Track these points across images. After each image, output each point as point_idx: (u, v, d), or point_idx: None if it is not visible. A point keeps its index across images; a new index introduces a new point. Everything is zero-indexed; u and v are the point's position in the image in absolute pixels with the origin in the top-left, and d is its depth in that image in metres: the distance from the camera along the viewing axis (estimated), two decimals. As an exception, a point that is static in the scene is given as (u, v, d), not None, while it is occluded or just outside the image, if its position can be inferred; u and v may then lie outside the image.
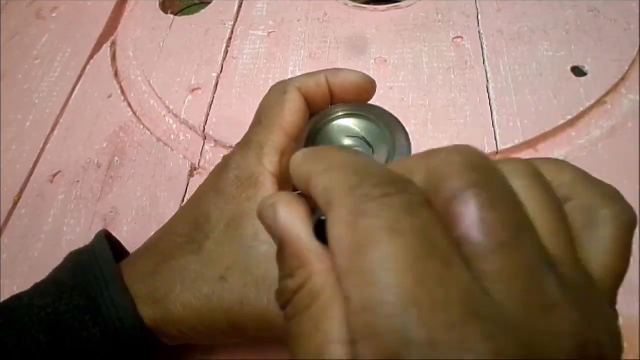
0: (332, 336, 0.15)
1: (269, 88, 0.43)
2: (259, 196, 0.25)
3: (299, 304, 0.16)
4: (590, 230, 0.17)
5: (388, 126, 0.28)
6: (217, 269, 0.24)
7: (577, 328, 0.13)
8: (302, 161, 0.17)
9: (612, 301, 0.17)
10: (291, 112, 0.26)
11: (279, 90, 0.27)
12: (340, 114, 0.28)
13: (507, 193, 0.15)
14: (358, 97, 0.27)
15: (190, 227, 0.26)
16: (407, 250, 0.13)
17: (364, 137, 0.28)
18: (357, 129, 0.28)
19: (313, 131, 0.28)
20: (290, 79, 0.28)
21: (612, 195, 0.17)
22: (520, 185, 0.15)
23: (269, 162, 0.26)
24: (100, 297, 0.24)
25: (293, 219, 0.17)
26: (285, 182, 0.27)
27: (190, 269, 0.24)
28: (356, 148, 0.27)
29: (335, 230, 0.15)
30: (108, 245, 0.26)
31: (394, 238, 0.14)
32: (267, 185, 0.25)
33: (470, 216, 0.14)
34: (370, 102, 0.30)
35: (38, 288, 0.26)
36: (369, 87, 0.27)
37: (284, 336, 0.23)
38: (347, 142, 0.28)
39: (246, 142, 0.27)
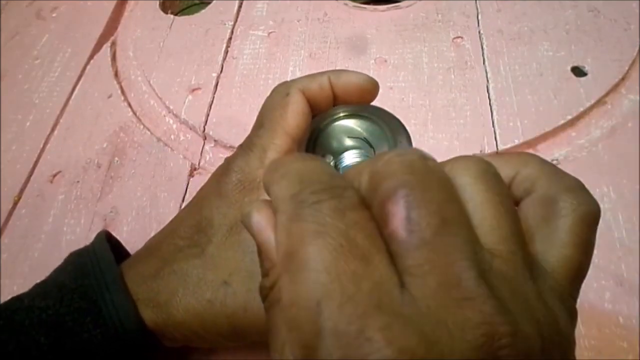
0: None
1: (269, 88, 0.43)
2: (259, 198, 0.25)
3: (271, 300, 0.17)
4: (549, 222, 0.17)
5: (389, 127, 0.28)
6: (220, 273, 0.24)
7: (486, 318, 0.14)
8: (266, 171, 0.18)
9: (570, 294, 0.17)
10: (294, 115, 0.26)
11: (281, 92, 0.27)
12: (342, 114, 0.28)
13: (441, 192, 0.16)
14: (361, 99, 0.27)
15: (192, 230, 0.26)
16: (327, 251, 0.15)
17: (365, 138, 0.28)
18: (358, 129, 0.28)
19: (315, 132, 0.28)
20: (292, 81, 0.28)
21: (573, 187, 0.18)
22: (466, 183, 0.16)
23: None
24: (101, 300, 0.24)
25: (265, 225, 0.18)
26: None
27: (192, 273, 0.24)
28: (357, 149, 0.28)
29: (277, 235, 0.16)
30: (108, 247, 0.26)
31: (317, 239, 0.15)
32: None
33: (398, 215, 0.15)
34: (372, 102, 0.30)
35: (38, 290, 0.25)
36: (372, 88, 0.27)
37: None
38: (349, 142, 0.28)
39: (248, 145, 0.27)
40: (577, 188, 0.18)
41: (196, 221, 0.26)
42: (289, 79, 0.43)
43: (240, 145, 0.27)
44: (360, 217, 0.15)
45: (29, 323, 0.24)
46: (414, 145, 0.37)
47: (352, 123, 0.28)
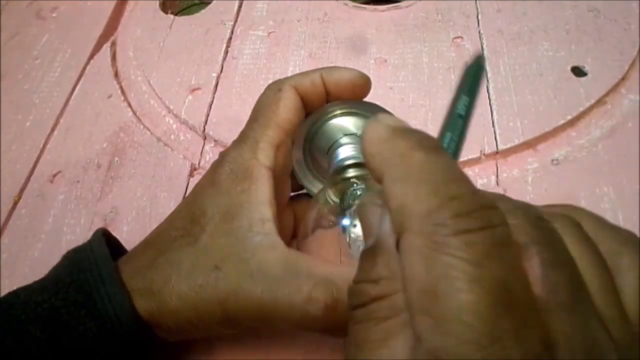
0: (397, 354, 0.15)
1: (267, 88, 0.43)
2: (253, 189, 0.25)
3: (375, 313, 0.15)
4: (617, 278, 0.16)
5: None
6: (212, 259, 0.24)
7: None
8: (377, 150, 0.16)
9: None
10: (286, 109, 0.27)
11: (274, 88, 0.28)
12: (337, 112, 0.28)
13: (565, 253, 0.15)
14: (354, 95, 0.28)
15: (186, 221, 0.26)
16: (486, 304, 0.13)
17: (360, 135, 0.28)
18: (352, 128, 0.28)
19: (311, 130, 0.29)
20: (285, 78, 0.28)
21: (632, 241, 0.17)
22: (570, 242, 0.15)
23: (264, 157, 0.26)
24: (96, 293, 0.24)
25: (379, 223, 0.16)
26: (281, 175, 0.27)
27: (185, 260, 0.25)
28: (352, 145, 0.28)
29: (409, 261, 0.14)
30: (105, 242, 0.26)
31: (474, 287, 0.13)
32: (262, 178, 0.26)
33: (533, 271, 0.14)
34: (370, 100, 0.31)
35: (35, 285, 0.26)
36: (364, 83, 0.28)
37: (277, 327, 0.23)
38: (344, 140, 0.28)
39: (242, 138, 0.27)
40: (636, 241, 0.17)
41: (190, 212, 0.26)
42: (288, 79, 0.43)
43: (235, 139, 0.28)
44: (515, 259, 0.14)
45: (25, 317, 0.24)
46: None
47: (347, 121, 0.29)
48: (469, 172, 0.36)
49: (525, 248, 0.14)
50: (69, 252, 0.27)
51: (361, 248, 0.17)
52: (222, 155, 0.27)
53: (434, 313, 0.13)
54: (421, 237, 0.14)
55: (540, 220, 0.15)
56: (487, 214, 0.14)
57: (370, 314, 0.16)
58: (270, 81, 0.42)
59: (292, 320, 0.23)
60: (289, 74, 0.42)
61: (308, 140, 0.29)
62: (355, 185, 0.27)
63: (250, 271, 0.23)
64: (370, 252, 0.16)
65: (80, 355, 0.24)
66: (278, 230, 0.25)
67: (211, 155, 0.40)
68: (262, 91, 0.43)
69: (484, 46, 0.42)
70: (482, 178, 0.36)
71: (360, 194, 0.27)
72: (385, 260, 0.16)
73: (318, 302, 0.22)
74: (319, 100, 0.28)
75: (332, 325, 0.22)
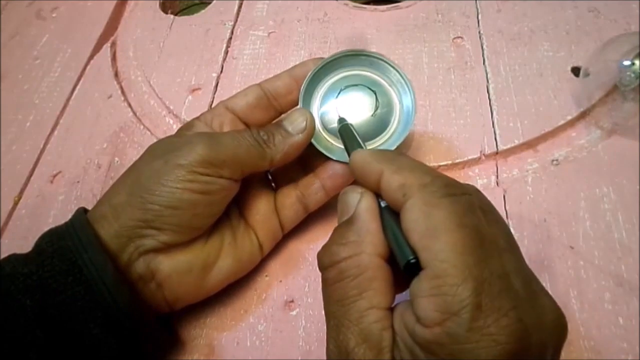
0: (373, 303, 0.22)
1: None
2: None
3: (346, 271, 0.22)
4: None
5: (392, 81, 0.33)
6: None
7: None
8: (372, 160, 0.24)
9: None
10: (244, 94, 0.32)
11: (248, 88, 0.33)
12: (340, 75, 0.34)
13: (497, 214, 0.24)
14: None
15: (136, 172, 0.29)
16: (470, 239, 0.20)
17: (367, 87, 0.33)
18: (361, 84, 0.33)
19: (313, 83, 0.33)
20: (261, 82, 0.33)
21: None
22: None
23: (207, 119, 0.32)
24: (79, 259, 0.25)
25: (373, 210, 0.24)
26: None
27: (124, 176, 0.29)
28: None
29: (413, 215, 0.21)
30: (83, 213, 0.28)
31: (461, 228, 0.20)
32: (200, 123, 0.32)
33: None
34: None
35: (18, 257, 0.26)
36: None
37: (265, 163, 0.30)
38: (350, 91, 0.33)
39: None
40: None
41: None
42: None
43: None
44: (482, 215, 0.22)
45: (15, 289, 0.25)
46: (413, 145, 0.38)
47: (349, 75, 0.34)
48: (468, 172, 0.36)
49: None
50: (50, 229, 0.28)
51: None
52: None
53: (433, 248, 0.20)
54: (421, 199, 0.21)
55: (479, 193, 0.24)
56: (461, 187, 0.23)
57: (342, 272, 0.22)
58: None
59: (237, 146, 0.29)
60: (289, 74, 0.43)
61: (308, 92, 0.33)
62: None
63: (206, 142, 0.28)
64: (345, 223, 0.24)
65: (70, 322, 0.24)
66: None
67: (211, 155, 0.40)
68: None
69: (484, 46, 0.42)
70: (482, 178, 0.36)
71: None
72: (356, 228, 0.23)
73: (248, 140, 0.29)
74: (286, 93, 0.32)
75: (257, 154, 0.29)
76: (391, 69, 0.33)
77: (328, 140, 0.33)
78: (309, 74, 0.32)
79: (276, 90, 0.32)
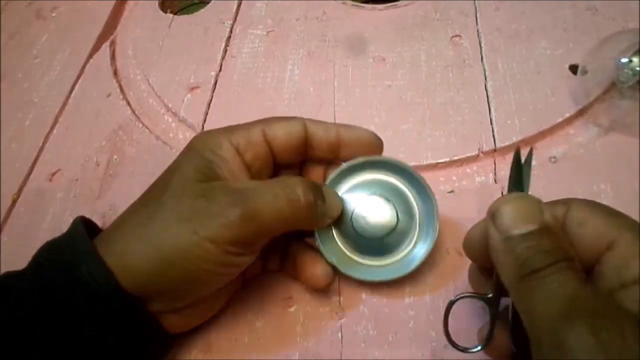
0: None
1: (267, 86, 0.44)
2: (220, 158, 0.27)
3: (547, 277, 0.20)
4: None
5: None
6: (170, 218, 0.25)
7: None
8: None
9: None
10: (284, 131, 0.28)
11: (292, 120, 0.29)
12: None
13: None
14: (366, 151, 0.30)
15: (145, 193, 0.28)
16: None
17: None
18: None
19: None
20: (305, 118, 0.30)
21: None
22: None
23: (235, 140, 0.28)
24: (75, 268, 0.25)
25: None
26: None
27: (142, 222, 0.26)
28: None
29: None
30: (83, 227, 0.27)
31: None
32: (229, 154, 0.27)
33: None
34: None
35: (12, 273, 0.26)
36: (380, 144, 0.30)
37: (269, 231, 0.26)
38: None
39: (225, 127, 0.29)
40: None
41: (163, 183, 0.27)
42: (287, 78, 0.43)
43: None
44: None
45: (12, 298, 0.25)
46: (412, 143, 0.37)
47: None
48: (466, 169, 0.36)
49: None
50: (48, 241, 0.28)
51: None
52: (198, 137, 0.29)
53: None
54: None
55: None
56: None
57: (543, 278, 0.20)
58: (269, 80, 0.43)
59: (281, 215, 0.26)
60: (288, 73, 0.43)
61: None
62: None
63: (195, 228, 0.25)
64: (537, 234, 0.21)
65: (70, 322, 0.24)
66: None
67: (210, 153, 0.40)
68: (260, 89, 0.44)
69: (482, 44, 0.42)
70: (480, 176, 0.36)
71: None
72: (553, 239, 0.21)
73: (300, 198, 0.26)
74: (326, 148, 0.29)
75: (310, 217, 0.27)
76: (413, 175, 0.30)
77: (339, 246, 0.30)
78: (330, 177, 0.30)
79: (320, 142, 0.29)
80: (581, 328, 0.18)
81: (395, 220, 0.30)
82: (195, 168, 0.27)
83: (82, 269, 0.24)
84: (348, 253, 0.30)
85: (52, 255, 0.26)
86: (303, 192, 0.26)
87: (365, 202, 0.30)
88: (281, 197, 0.26)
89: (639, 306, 0.19)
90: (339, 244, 0.30)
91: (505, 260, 0.21)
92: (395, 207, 0.30)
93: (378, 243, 0.30)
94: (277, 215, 0.26)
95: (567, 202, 0.23)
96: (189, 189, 0.26)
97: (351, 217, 0.30)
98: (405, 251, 0.30)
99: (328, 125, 0.29)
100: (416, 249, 0.30)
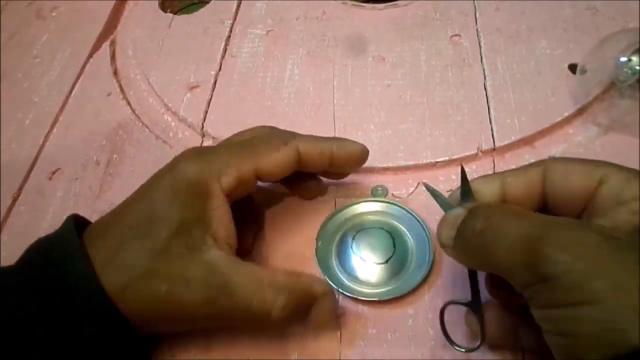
0: None
1: (267, 86, 0.44)
2: (211, 208, 0.26)
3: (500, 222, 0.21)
4: None
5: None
6: (172, 268, 0.25)
7: None
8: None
9: None
10: (276, 163, 0.28)
11: (283, 136, 0.29)
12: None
13: None
14: (355, 166, 0.32)
15: (141, 219, 0.26)
16: None
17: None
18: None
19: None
20: (299, 137, 0.30)
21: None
22: None
23: (226, 183, 0.27)
24: (63, 267, 0.25)
25: None
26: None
27: (145, 265, 0.25)
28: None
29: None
30: (73, 225, 0.27)
31: None
32: (218, 200, 0.27)
33: None
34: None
35: (3, 269, 0.27)
36: (365, 157, 0.31)
37: (230, 325, 0.27)
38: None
39: (215, 153, 0.28)
40: None
41: (147, 211, 0.26)
42: (286, 77, 0.43)
43: (207, 149, 0.28)
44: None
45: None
46: (411, 142, 0.38)
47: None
48: (466, 168, 0.36)
49: None
50: (39, 239, 0.28)
51: None
52: (187, 161, 0.28)
53: None
54: None
55: None
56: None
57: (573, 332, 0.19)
58: (268, 79, 0.43)
59: (249, 321, 0.27)
60: (287, 72, 0.43)
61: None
62: None
63: (211, 283, 0.25)
64: (550, 280, 0.19)
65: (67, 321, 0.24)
66: (231, 249, 0.27)
67: (209, 152, 0.40)
68: (260, 89, 0.44)
69: (482, 44, 0.42)
70: (479, 174, 0.35)
71: None
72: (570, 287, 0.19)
73: (277, 307, 0.25)
74: (318, 167, 0.30)
75: (283, 321, 0.26)
76: (406, 212, 0.33)
77: (341, 278, 0.31)
78: (329, 216, 0.33)
79: (314, 163, 0.30)
80: (553, 239, 0.19)
81: (392, 249, 0.32)
82: (181, 221, 0.26)
83: (69, 266, 0.25)
84: (347, 282, 0.31)
85: (40, 254, 0.26)
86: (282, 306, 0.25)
87: (363, 233, 0.32)
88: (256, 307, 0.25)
89: (639, 217, 0.20)
90: (340, 275, 0.31)
91: (459, 253, 0.24)
92: (392, 236, 0.32)
93: (376, 271, 0.31)
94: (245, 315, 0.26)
95: (540, 164, 0.25)
96: (173, 245, 0.26)
97: (351, 247, 0.32)
98: (403, 278, 0.31)
99: (322, 147, 0.30)
100: (413, 276, 0.31)
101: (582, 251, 0.18)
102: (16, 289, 0.25)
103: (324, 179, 0.35)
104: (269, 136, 0.30)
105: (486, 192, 0.25)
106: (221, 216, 0.27)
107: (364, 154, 0.31)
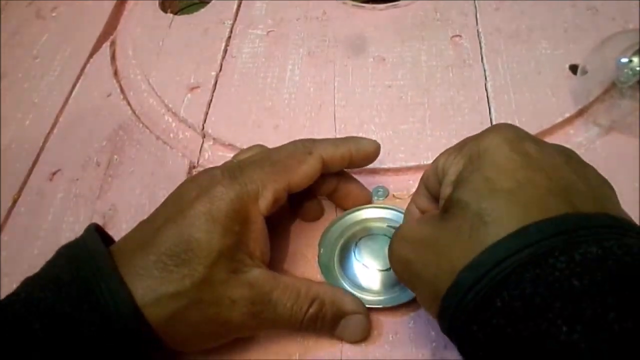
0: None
1: (268, 86, 0.44)
2: (249, 230, 0.27)
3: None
4: None
5: None
6: (214, 298, 0.26)
7: None
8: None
9: None
10: (306, 175, 0.29)
11: (306, 147, 0.30)
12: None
13: None
14: (369, 162, 0.32)
15: (180, 246, 0.26)
16: None
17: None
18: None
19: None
20: (320, 143, 0.30)
21: None
22: None
23: (264, 206, 0.28)
24: (97, 288, 0.24)
25: None
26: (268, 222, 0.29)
27: (186, 295, 0.25)
28: None
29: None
30: (99, 238, 0.26)
31: None
32: (258, 224, 0.28)
33: None
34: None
35: (33, 283, 0.26)
36: (378, 152, 0.32)
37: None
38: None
39: (249, 176, 0.28)
40: None
41: (184, 240, 0.26)
42: (287, 78, 0.43)
43: (242, 172, 0.28)
44: None
45: (25, 311, 0.24)
46: (411, 142, 0.37)
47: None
48: (467, 169, 0.36)
49: None
50: (62, 249, 0.27)
51: None
52: (225, 188, 0.27)
53: None
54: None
55: None
56: None
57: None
58: (269, 79, 0.43)
59: (285, 328, 0.28)
60: (288, 73, 0.43)
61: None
62: None
63: (256, 301, 0.26)
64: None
65: (81, 350, 0.24)
66: (265, 264, 0.28)
67: (210, 153, 0.40)
68: (260, 89, 0.44)
69: (482, 44, 0.42)
70: (480, 176, 0.36)
71: None
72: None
73: (308, 315, 0.27)
74: (338, 169, 0.32)
75: (308, 329, 0.28)
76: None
77: (344, 285, 0.31)
78: (331, 223, 0.33)
79: (334, 166, 0.31)
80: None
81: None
82: (222, 248, 0.26)
83: (102, 286, 0.24)
84: (350, 289, 0.31)
85: (72, 272, 0.25)
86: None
87: (365, 239, 0.32)
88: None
89: (449, 188, 0.24)
90: (343, 282, 0.31)
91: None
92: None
93: (379, 278, 0.31)
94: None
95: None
96: (215, 273, 0.26)
97: (354, 253, 0.32)
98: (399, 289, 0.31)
99: (342, 151, 0.30)
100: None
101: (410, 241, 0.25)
102: (48, 306, 0.24)
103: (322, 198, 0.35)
104: (293, 147, 0.30)
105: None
106: (258, 236, 0.28)
107: (378, 150, 0.32)
